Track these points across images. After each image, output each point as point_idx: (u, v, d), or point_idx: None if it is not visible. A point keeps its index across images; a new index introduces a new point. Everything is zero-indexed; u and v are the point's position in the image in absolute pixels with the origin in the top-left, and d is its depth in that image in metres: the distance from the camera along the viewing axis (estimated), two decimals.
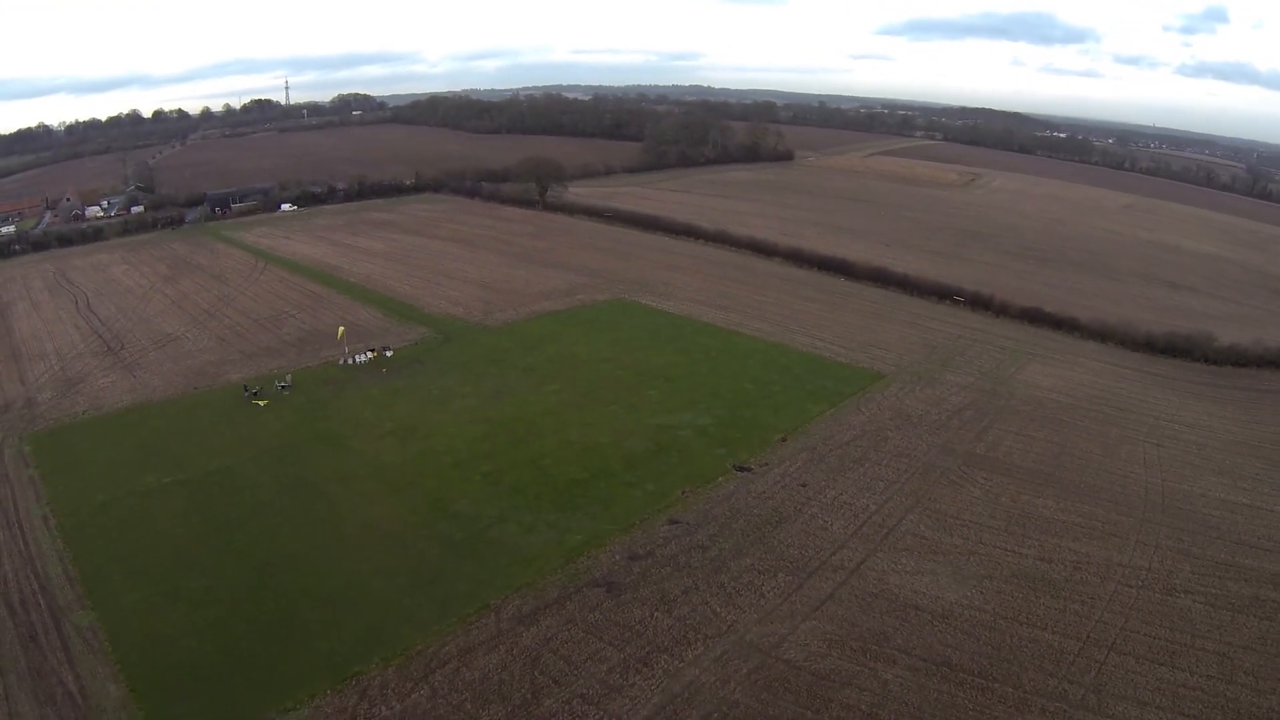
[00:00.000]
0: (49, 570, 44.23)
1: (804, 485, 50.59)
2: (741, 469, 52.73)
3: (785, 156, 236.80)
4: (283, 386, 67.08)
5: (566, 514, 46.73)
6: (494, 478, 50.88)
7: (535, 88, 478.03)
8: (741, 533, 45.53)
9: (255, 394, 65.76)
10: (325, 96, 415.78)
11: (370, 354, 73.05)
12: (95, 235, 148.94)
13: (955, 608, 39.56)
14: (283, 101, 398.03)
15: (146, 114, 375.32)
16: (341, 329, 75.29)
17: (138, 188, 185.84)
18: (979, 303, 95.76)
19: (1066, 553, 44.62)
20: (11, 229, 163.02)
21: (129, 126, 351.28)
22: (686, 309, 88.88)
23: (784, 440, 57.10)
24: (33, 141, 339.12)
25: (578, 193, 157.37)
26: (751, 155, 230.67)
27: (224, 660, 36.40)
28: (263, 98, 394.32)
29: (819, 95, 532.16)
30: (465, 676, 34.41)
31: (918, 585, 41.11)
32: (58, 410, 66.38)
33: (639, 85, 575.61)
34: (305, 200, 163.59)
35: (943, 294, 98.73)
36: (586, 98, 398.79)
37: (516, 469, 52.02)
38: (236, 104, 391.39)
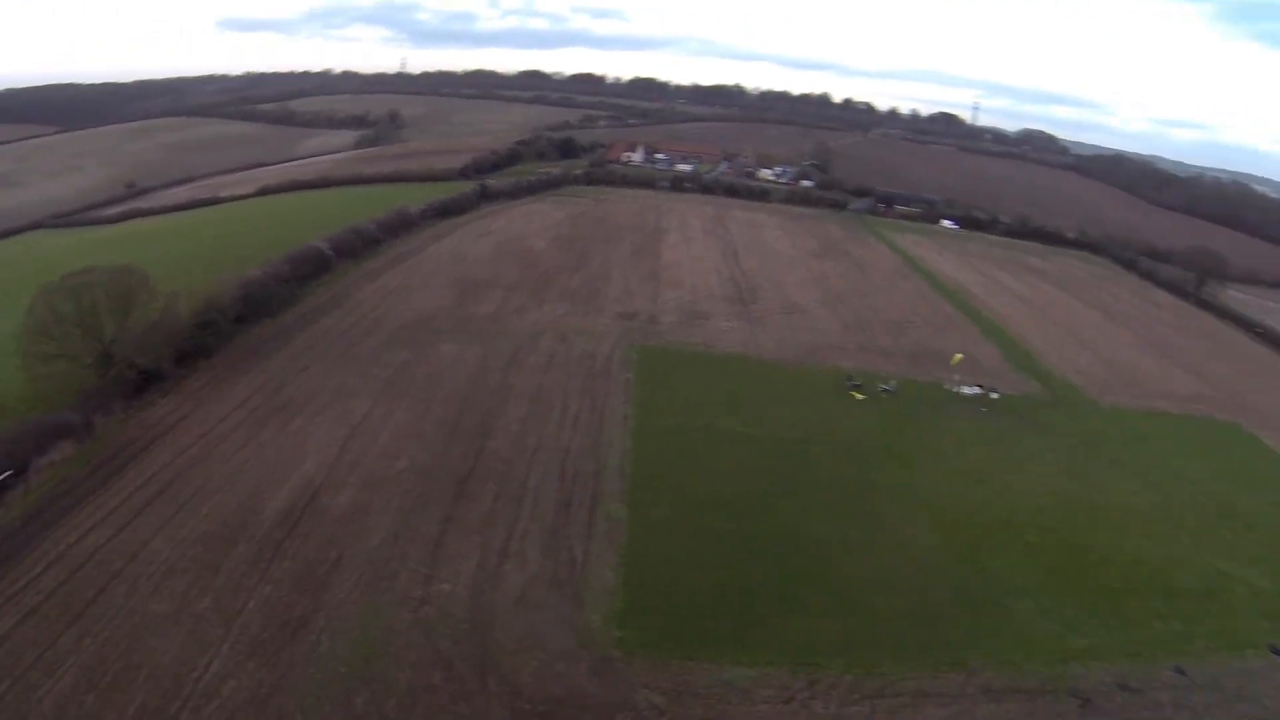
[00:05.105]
0: (609, 460, 49.33)
1: None
2: (1277, 651, 41.77)
3: None
4: (885, 390, 67.95)
5: (1084, 615, 43.11)
6: (1035, 550, 48.68)
7: (1224, 171, 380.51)
8: None
9: (856, 386, 67.51)
10: (1011, 126, 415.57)
11: (978, 389, 72.29)
12: (760, 195, 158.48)
13: None
14: (968, 121, 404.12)
15: (836, 99, 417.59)
16: (959, 356, 76.44)
17: (812, 165, 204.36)
18: None
19: None
20: (689, 168, 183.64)
21: (816, 107, 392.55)
22: None
23: None
24: (728, 98, 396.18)
25: (1238, 297, 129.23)
26: None
27: (715, 601, 38.66)
28: (950, 112, 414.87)
29: None
30: (913, 714, 34.55)
31: None
32: (674, 335, 73.04)
33: None
34: (967, 223, 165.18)
35: None
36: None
37: (1059, 551, 49.03)
38: (923, 111, 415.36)
